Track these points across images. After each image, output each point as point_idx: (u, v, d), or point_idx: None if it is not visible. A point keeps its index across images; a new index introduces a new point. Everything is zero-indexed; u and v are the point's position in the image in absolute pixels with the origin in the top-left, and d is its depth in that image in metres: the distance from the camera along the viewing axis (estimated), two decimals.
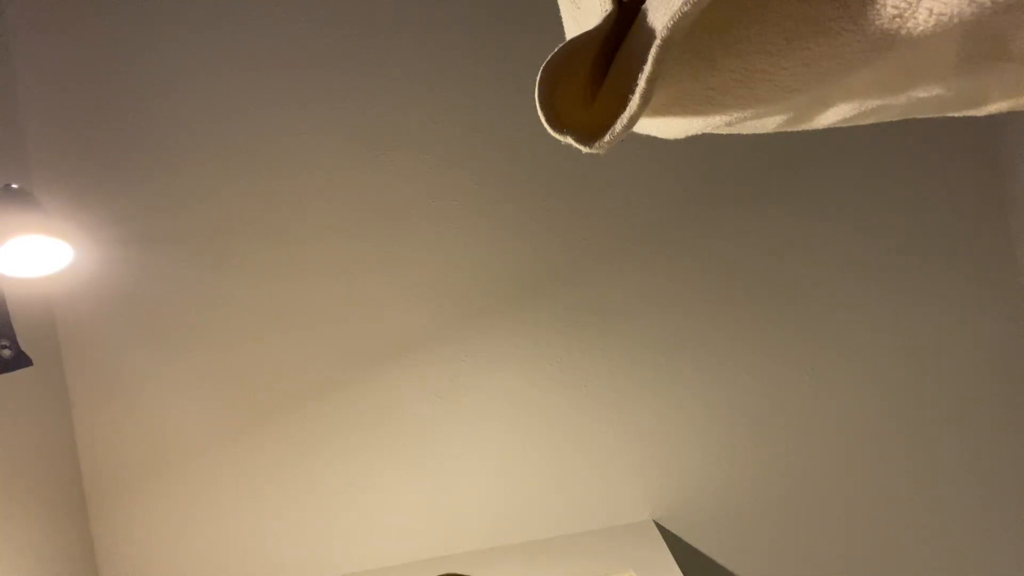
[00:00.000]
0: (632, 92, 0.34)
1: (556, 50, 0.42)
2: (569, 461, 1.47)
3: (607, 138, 0.37)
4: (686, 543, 1.48)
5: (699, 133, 0.47)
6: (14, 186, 0.98)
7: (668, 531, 1.47)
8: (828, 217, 1.45)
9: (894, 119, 0.52)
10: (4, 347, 1.02)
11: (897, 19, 0.30)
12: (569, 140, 0.40)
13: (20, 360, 1.04)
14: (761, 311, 1.46)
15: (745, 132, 0.53)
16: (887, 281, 1.46)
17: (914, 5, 0.30)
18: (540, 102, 0.41)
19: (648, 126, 0.51)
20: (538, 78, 0.41)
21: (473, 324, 1.45)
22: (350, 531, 1.45)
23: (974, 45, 0.35)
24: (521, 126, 1.42)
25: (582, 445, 1.47)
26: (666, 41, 0.32)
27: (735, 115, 0.42)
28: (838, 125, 0.50)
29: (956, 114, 0.50)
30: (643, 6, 0.39)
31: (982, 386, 1.46)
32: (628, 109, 0.35)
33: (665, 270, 1.45)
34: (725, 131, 0.51)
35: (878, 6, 0.31)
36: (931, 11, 0.29)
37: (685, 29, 0.32)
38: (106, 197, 1.39)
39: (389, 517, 1.46)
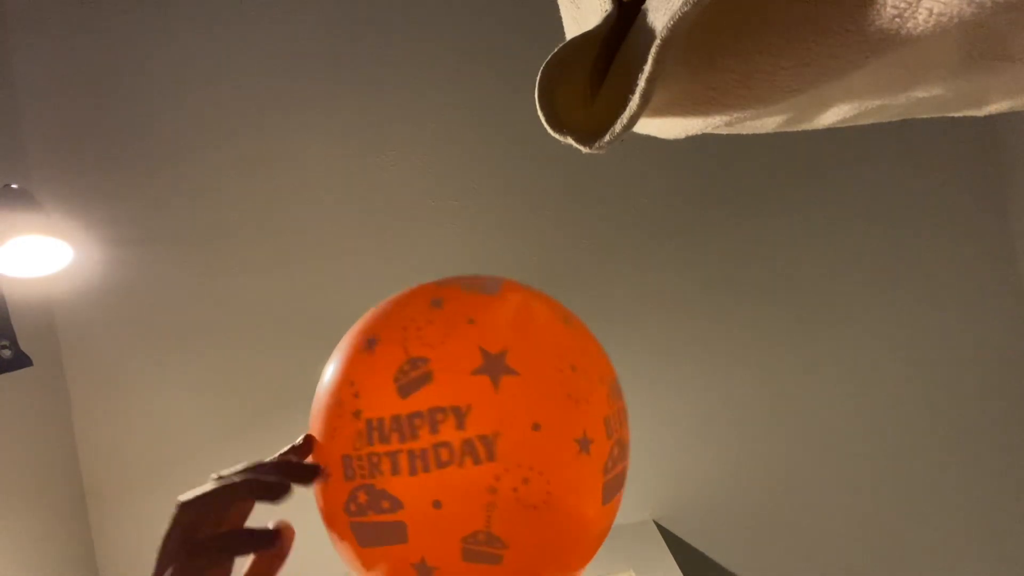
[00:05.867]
0: (632, 92, 0.34)
1: (556, 50, 0.42)
2: None
3: (607, 138, 0.37)
4: (686, 543, 1.48)
5: (699, 133, 0.47)
6: (14, 186, 0.98)
7: (668, 531, 1.47)
8: (828, 218, 1.45)
9: (894, 119, 0.52)
10: (4, 347, 1.02)
11: (897, 19, 0.30)
12: (569, 140, 0.40)
13: (20, 360, 1.04)
14: (761, 311, 1.46)
15: (745, 132, 0.53)
16: (887, 281, 1.46)
17: (914, 5, 0.29)
18: (540, 102, 0.41)
19: (648, 126, 0.51)
20: (538, 78, 0.41)
21: None
22: None
23: (974, 45, 0.35)
24: (521, 126, 1.41)
25: None
26: (666, 41, 0.32)
27: (735, 115, 0.41)
28: (838, 125, 0.50)
29: (956, 114, 0.50)
30: (643, 6, 0.39)
31: (983, 387, 1.46)
32: (628, 109, 0.35)
33: (665, 270, 1.45)
34: (725, 131, 0.51)
35: (878, 6, 0.31)
36: (931, 11, 0.29)
37: (685, 29, 0.32)
38: (106, 197, 1.39)
39: None
